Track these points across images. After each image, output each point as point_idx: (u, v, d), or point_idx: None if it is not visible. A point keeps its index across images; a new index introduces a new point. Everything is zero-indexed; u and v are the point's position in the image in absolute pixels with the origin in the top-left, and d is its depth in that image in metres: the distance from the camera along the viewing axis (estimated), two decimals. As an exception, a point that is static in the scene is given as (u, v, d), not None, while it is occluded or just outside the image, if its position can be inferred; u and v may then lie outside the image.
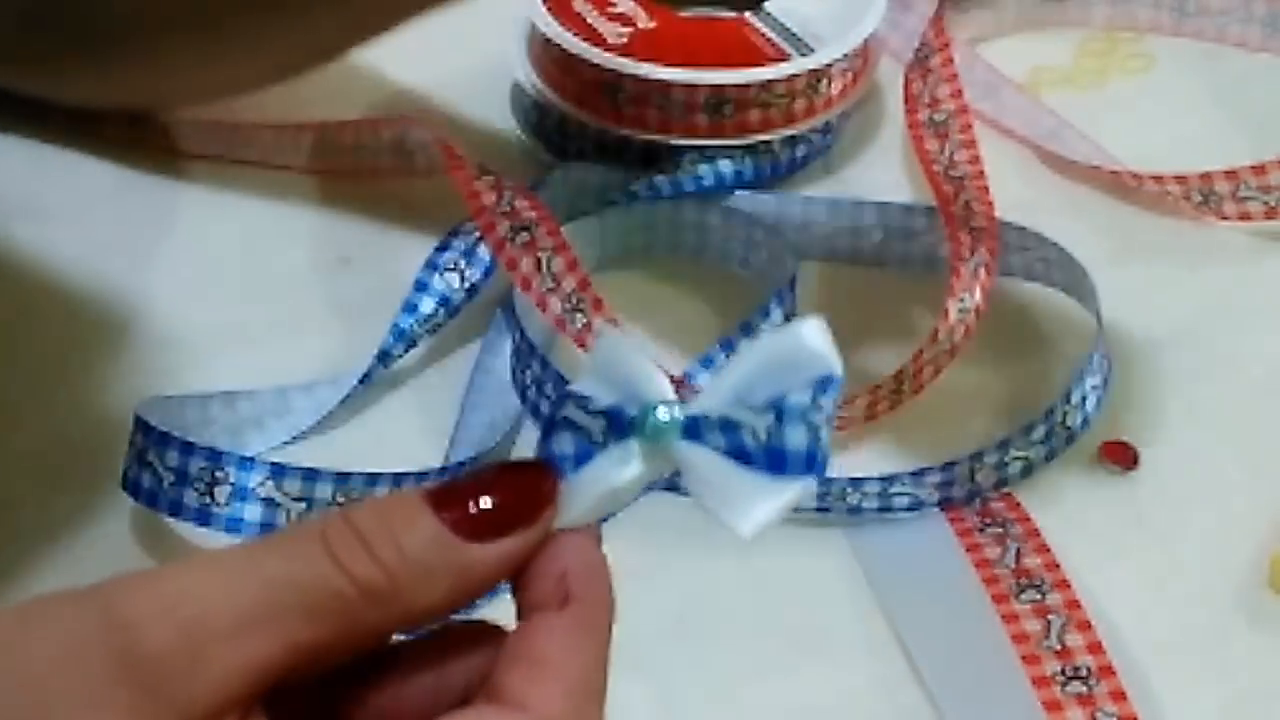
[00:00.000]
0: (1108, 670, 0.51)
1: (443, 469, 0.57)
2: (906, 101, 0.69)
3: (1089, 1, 0.77)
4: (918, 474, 0.57)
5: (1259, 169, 0.67)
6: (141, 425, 0.55)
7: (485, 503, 0.36)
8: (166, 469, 0.54)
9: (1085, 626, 0.52)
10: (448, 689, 0.37)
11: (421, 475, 0.56)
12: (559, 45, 0.67)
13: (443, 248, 0.63)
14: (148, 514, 0.55)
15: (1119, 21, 0.77)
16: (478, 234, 0.62)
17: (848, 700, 0.52)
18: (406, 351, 0.61)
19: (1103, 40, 0.77)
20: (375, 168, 0.69)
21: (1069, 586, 0.53)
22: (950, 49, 0.69)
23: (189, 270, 0.65)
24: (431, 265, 0.62)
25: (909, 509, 0.57)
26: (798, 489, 0.37)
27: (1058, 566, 0.54)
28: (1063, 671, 0.51)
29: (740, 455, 0.37)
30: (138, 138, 0.69)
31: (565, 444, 0.38)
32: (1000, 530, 0.55)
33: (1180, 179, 0.68)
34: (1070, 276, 0.63)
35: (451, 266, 0.62)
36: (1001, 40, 0.76)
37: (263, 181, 0.69)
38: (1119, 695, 0.50)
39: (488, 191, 0.62)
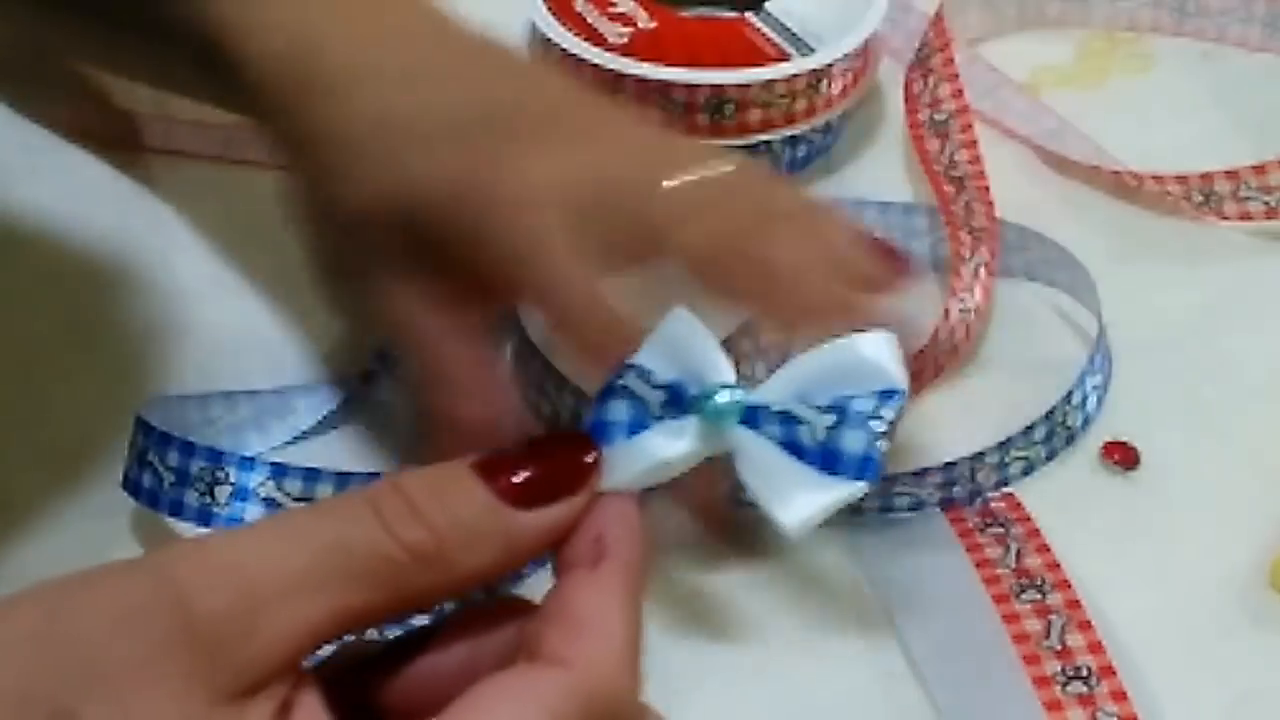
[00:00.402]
0: (1108, 670, 0.51)
1: None
2: (907, 101, 0.69)
3: (1089, 1, 0.77)
4: (919, 474, 0.57)
5: (1259, 169, 0.67)
6: (142, 426, 0.55)
7: (530, 472, 0.37)
8: (167, 469, 0.54)
9: (1086, 626, 0.52)
10: (482, 661, 0.37)
11: None
12: (560, 45, 0.67)
13: None
14: (148, 515, 0.55)
15: (1119, 21, 0.77)
16: None
17: (848, 700, 0.52)
18: None
19: (1103, 40, 0.77)
20: None
21: (1069, 586, 0.53)
22: (951, 49, 0.69)
23: (189, 271, 0.65)
24: None
25: (910, 509, 0.57)
26: (848, 490, 0.38)
27: (1058, 566, 0.54)
28: (1063, 671, 0.51)
29: (794, 450, 0.39)
30: (131, 140, 0.70)
31: (620, 412, 0.40)
32: (1001, 530, 0.55)
33: (1181, 179, 0.68)
34: (1071, 276, 0.63)
35: None
36: (1001, 40, 0.76)
37: (262, 182, 0.69)
38: (1119, 695, 0.50)
39: None
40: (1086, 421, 0.60)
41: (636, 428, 0.40)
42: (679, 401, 0.40)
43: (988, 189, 0.65)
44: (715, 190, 0.54)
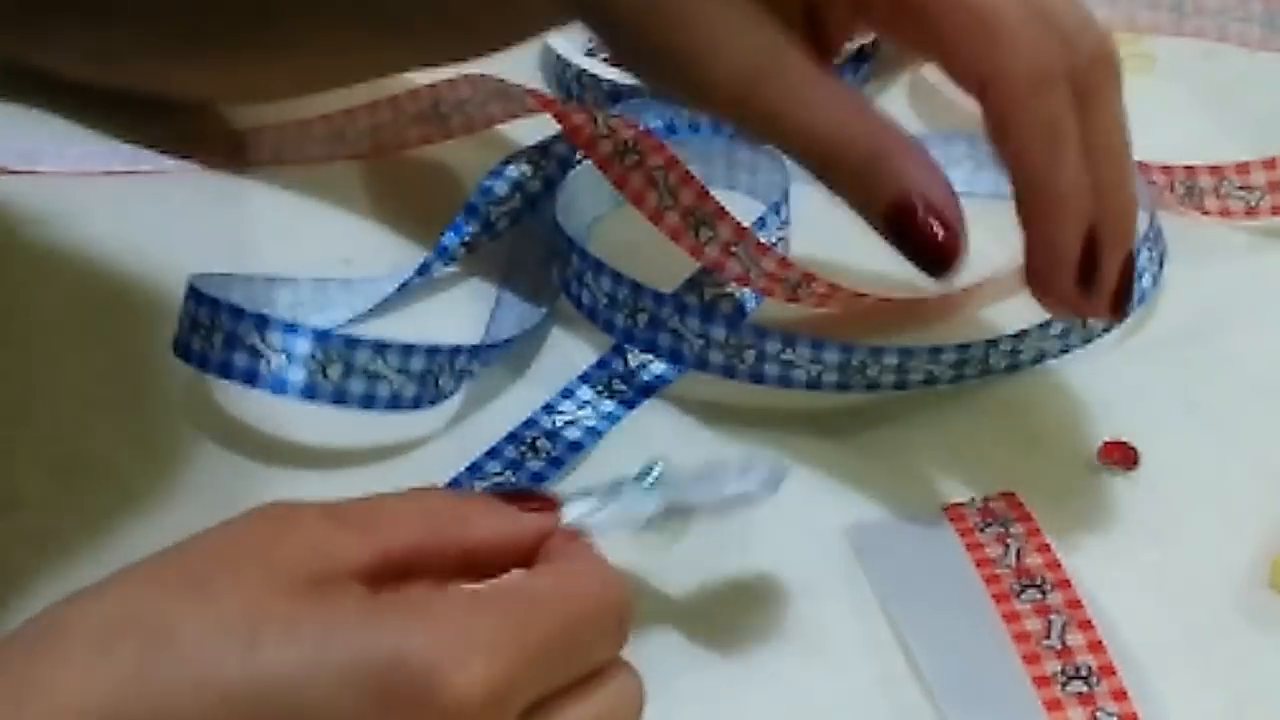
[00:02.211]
0: (1108, 669, 0.51)
1: (475, 347, 0.60)
2: None
3: (1089, 2, 0.77)
4: (935, 350, 0.59)
5: (1242, 167, 0.67)
6: (195, 294, 0.57)
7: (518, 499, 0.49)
8: (217, 332, 0.56)
9: (1086, 626, 0.52)
10: None
11: (455, 350, 0.58)
12: None
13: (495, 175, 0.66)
14: (149, 519, 0.56)
15: (1119, 22, 0.77)
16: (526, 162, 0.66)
17: (848, 700, 0.52)
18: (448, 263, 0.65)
19: (1102, 40, 0.77)
20: (403, 143, 0.69)
21: (1070, 586, 0.53)
22: None
23: (190, 272, 0.65)
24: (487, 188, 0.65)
25: (924, 383, 0.60)
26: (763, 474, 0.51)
27: (1058, 565, 0.54)
28: (1063, 671, 0.51)
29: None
30: (237, 155, 0.70)
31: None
32: (1001, 529, 0.55)
33: (1166, 169, 0.68)
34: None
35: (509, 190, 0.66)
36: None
37: (262, 183, 0.69)
38: (1120, 694, 0.50)
39: (578, 114, 0.64)
40: (1109, 326, 0.62)
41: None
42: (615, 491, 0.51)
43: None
44: None
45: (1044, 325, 0.61)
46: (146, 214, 0.67)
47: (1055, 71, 0.51)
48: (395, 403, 0.58)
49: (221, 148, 0.70)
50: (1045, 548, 0.55)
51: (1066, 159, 0.51)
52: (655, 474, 0.50)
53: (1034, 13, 0.51)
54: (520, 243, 0.66)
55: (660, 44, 0.52)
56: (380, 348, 0.57)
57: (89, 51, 0.69)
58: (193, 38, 0.65)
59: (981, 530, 0.56)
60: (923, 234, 0.50)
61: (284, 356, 0.56)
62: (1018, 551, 0.55)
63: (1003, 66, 0.50)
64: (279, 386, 0.56)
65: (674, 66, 0.52)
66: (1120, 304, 0.54)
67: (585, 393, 0.61)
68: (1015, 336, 0.61)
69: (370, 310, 0.63)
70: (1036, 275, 0.53)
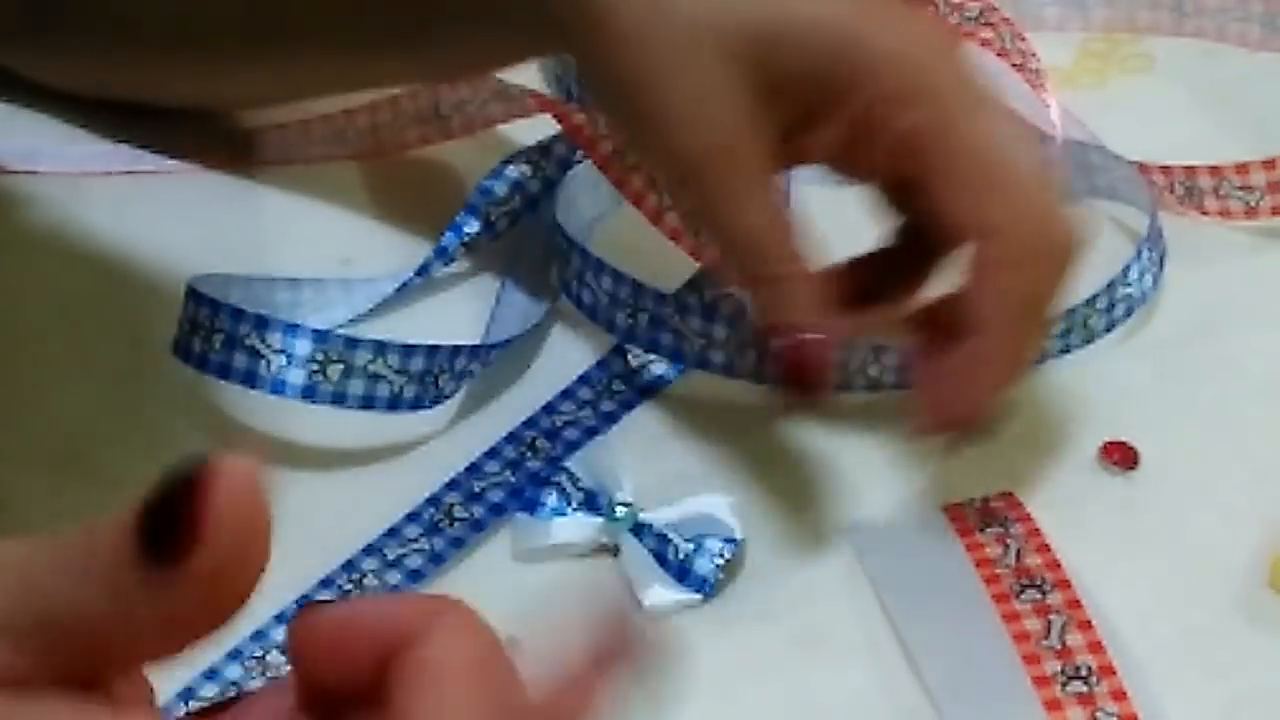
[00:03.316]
0: (1108, 670, 0.51)
1: (475, 347, 0.60)
2: None
3: (1089, 2, 0.77)
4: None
5: (1242, 168, 0.67)
6: (194, 295, 0.57)
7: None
8: (217, 333, 0.56)
9: (1086, 626, 0.52)
10: None
11: (455, 350, 0.58)
12: None
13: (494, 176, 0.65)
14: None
15: (1119, 22, 0.77)
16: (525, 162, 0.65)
17: (848, 700, 0.52)
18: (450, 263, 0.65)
19: (1103, 40, 0.77)
20: (403, 143, 0.69)
21: (1069, 586, 0.53)
22: None
23: (189, 272, 0.65)
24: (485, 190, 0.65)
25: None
26: (690, 596, 0.54)
27: (1058, 566, 0.54)
28: (1063, 671, 0.51)
29: (660, 559, 0.55)
30: (248, 155, 0.70)
31: (549, 498, 0.57)
32: (1001, 529, 0.55)
33: (1165, 170, 0.68)
34: (1128, 185, 0.67)
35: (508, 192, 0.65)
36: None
37: (262, 184, 0.69)
38: (1119, 695, 0.50)
39: (577, 114, 0.64)
40: (1111, 326, 0.62)
41: (558, 513, 0.56)
42: (592, 503, 0.56)
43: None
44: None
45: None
46: (146, 214, 0.67)
47: (1058, 241, 0.52)
48: (395, 403, 0.58)
49: (223, 149, 0.70)
50: (1045, 548, 0.55)
51: (1036, 334, 0.53)
52: (616, 513, 0.55)
53: (1042, 183, 0.52)
54: (520, 243, 0.66)
55: (632, 95, 0.53)
56: (380, 348, 0.57)
57: (91, 65, 0.69)
58: (188, 47, 0.66)
59: (981, 530, 0.56)
60: (792, 364, 0.53)
61: (283, 357, 0.56)
62: (1017, 551, 0.55)
63: (1006, 225, 0.51)
64: (278, 388, 0.56)
65: (637, 119, 0.54)
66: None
67: (585, 393, 0.61)
68: None
69: (370, 310, 0.64)
70: (938, 411, 0.54)
